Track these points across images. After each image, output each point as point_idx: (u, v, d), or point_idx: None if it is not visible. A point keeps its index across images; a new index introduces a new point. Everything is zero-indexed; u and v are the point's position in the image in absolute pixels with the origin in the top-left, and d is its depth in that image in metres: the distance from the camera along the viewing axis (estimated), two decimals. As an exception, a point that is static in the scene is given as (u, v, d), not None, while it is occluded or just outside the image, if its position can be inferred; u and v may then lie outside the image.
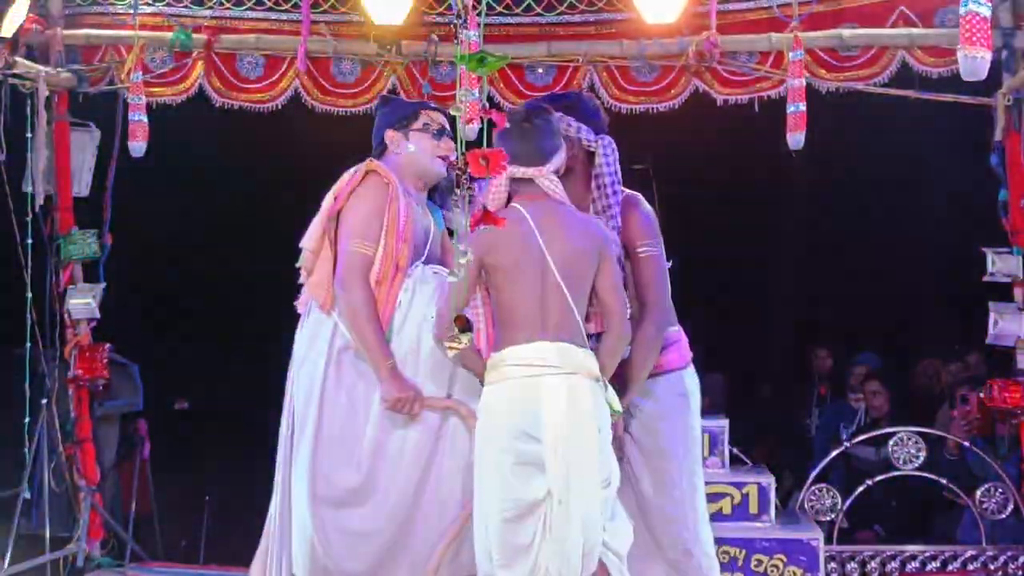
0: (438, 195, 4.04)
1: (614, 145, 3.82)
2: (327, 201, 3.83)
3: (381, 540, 3.67)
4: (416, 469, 3.68)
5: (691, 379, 3.89)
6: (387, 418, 3.66)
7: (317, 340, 3.79)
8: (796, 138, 5.20)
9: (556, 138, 3.64)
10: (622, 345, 3.57)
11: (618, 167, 3.81)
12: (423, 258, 3.82)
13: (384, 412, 3.66)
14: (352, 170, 3.84)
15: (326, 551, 3.68)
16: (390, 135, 3.90)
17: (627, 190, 3.88)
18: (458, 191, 3.13)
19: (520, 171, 3.55)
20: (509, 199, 3.60)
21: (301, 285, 3.91)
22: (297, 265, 3.88)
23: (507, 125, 3.49)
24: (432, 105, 4.03)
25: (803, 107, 5.18)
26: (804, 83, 5.23)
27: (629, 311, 3.67)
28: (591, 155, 3.78)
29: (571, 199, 3.78)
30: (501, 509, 3.41)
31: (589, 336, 3.57)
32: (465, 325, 3.03)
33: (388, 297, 3.71)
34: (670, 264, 3.85)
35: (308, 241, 3.84)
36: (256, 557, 3.93)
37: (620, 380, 3.67)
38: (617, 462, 3.55)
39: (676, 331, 3.88)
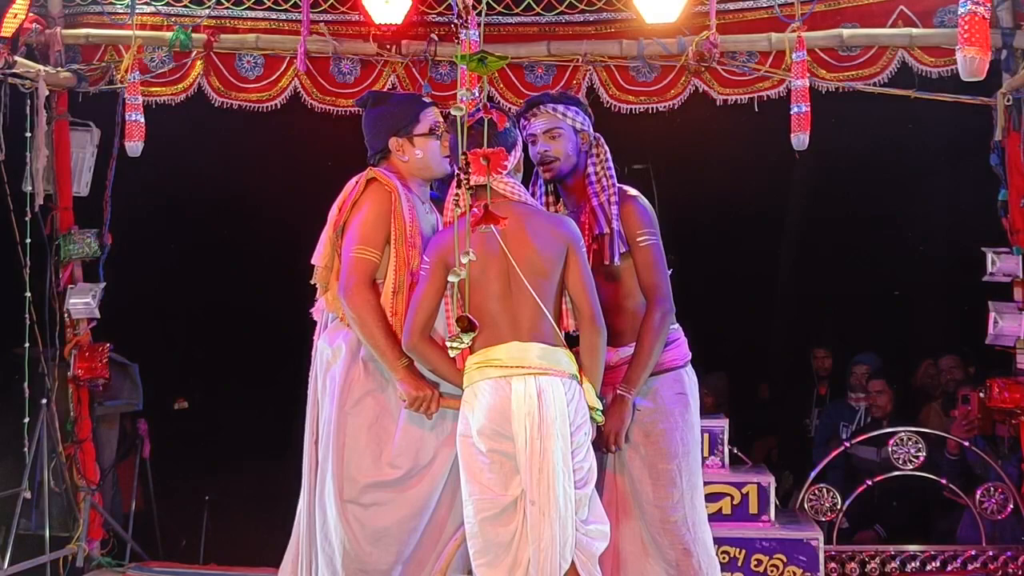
0: (437, 183, 4.04)
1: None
2: (332, 214, 3.84)
3: (413, 539, 3.69)
4: (444, 467, 3.70)
5: (690, 377, 3.91)
6: (415, 419, 3.68)
7: (340, 350, 3.79)
8: (800, 138, 5.19)
9: (505, 139, 3.59)
10: (599, 340, 3.58)
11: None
12: None
13: (410, 413, 3.68)
14: (353, 180, 3.84)
15: (358, 553, 3.69)
16: (395, 143, 3.87)
17: (619, 184, 3.93)
18: (458, 191, 3.14)
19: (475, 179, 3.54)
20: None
21: (313, 287, 3.91)
22: (311, 282, 3.88)
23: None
24: (427, 101, 4.00)
25: (806, 108, 5.18)
26: (807, 83, 5.22)
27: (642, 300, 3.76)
28: (589, 148, 3.89)
29: (574, 189, 3.83)
30: (480, 509, 3.44)
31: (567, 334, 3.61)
32: (468, 326, 3.03)
33: (406, 307, 3.69)
34: (672, 271, 3.88)
35: (319, 257, 3.85)
36: (284, 561, 3.94)
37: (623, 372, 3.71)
38: (596, 461, 3.56)
39: (676, 329, 3.90)
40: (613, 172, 3.87)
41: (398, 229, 3.72)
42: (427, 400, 3.62)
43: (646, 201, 3.91)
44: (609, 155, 3.90)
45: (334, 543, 3.72)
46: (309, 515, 3.84)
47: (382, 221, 3.72)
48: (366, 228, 3.72)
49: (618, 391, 3.74)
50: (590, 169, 3.87)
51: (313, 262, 3.86)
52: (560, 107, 3.86)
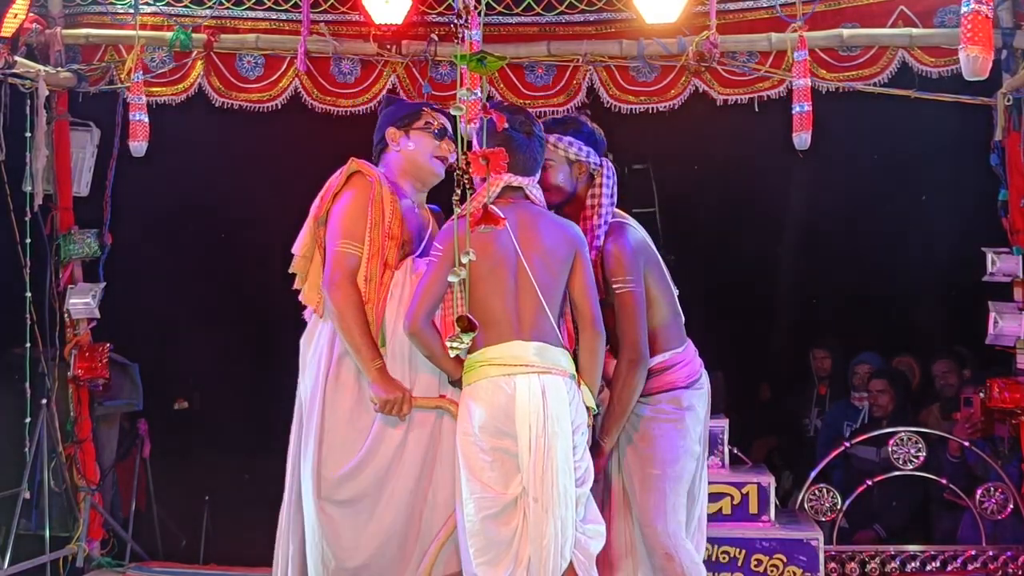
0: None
1: (613, 169, 3.92)
2: (314, 204, 3.84)
3: (390, 538, 3.68)
4: (418, 466, 3.69)
5: (694, 397, 3.88)
6: (390, 418, 3.67)
7: (317, 345, 3.79)
8: (802, 138, 5.18)
9: (545, 148, 3.73)
10: (598, 344, 3.62)
11: (615, 191, 3.88)
12: (416, 254, 3.82)
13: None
14: (337, 172, 3.84)
15: (335, 552, 3.68)
16: (391, 132, 3.90)
17: (620, 214, 3.88)
18: (458, 191, 3.13)
19: (517, 180, 3.61)
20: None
21: (295, 289, 3.90)
22: (290, 271, 3.88)
23: (512, 133, 3.55)
24: (435, 106, 4.03)
25: (808, 107, 5.17)
26: (809, 83, 5.22)
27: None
28: (591, 176, 3.85)
29: (570, 218, 3.85)
30: (481, 507, 3.44)
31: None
32: (468, 326, 3.03)
33: (379, 295, 3.70)
34: (672, 258, 3.86)
35: (298, 246, 3.85)
36: (275, 561, 3.95)
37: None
38: (592, 461, 3.59)
39: (680, 352, 3.89)
40: (606, 209, 3.82)
41: (374, 217, 3.70)
42: (398, 403, 3.61)
43: (633, 238, 3.82)
44: (609, 188, 3.84)
45: (316, 541, 3.71)
46: (291, 513, 3.83)
47: (363, 213, 3.71)
48: (348, 221, 3.72)
49: (597, 439, 3.78)
50: (588, 202, 3.85)
51: (292, 251, 3.86)
52: (552, 137, 3.81)
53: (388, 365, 3.68)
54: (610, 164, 3.91)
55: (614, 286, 3.76)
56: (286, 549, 3.84)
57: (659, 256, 3.92)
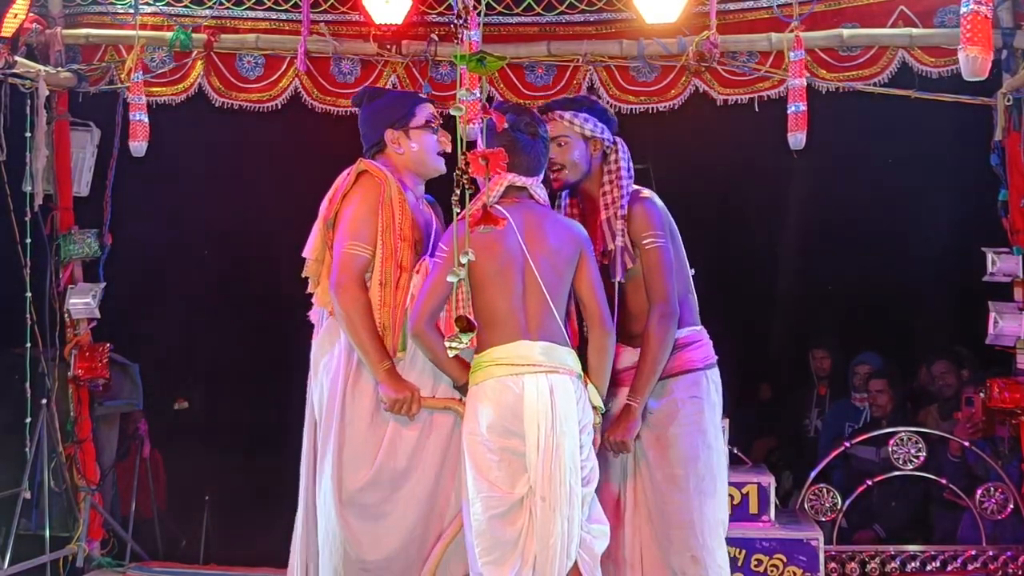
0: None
1: (627, 147, 3.93)
2: (322, 207, 3.83)
3: (411, 540, 3.68)
4: (437, 467, 3.69)
5: (709, 380, 3.86)
6: (406, 419, 3.67)
7: (334, 348, 3.77)
8: (797, 138, 5.18)
9: (550, 147, 3.73)
10: (607, 341, 3.61)
11: (632, 167, 3.90)
12: (427, 252, 3.81)
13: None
14: (345, 172, 3.83)
15: (359, 553, 3.68)
16: (391, 135, 3.88)
17: (635, 185, 3.91)
18: (457, 191, 3.14)
19: (520, 180, 3.61)
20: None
21: (309, 293, 3.89)
22: (303, 275, 3.87)
23: (517, 133, 3.55)
24: (424, 97, 4.00)
25: (804, 107, 5.17)
26: (805, 83, 5.22)
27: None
28: (605, 154, 3.86)
29: (586, 195, 3.84)
30: (488, 507, 3.44)
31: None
32: (466, 325, 3.03)
33: (396, 299, 3.68)
34: (693, 272, 3.88)
35: (309, 250, 3.83)
36: (289, 565, 3.94)
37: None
38: (613, 464, 3.58)
39: (698, 330, 3.89)
40: (626, 182, 3.83)
41: (386, 220, 3.69)
42: (407, 402, 3.60)
43: (658, 202, 3.87)
44: (626, 162, 3.86)
45: (335, 543, 3.71)
46: (307, 518, 3.84)
47: (372, 215, 3.70)
48: (356, 223, 3.70)
49: (626, 400, 3.75)
50: (604, 178, 3.85)
51: (304, 255, 3.85)
52: (568, 114, 3.84)
53: (408, 372, 3.68)
54: (623, 142, 3.92)
55: (644, 241, 3.76)
56: (303, 553, 3.83)
57: (677, 231, 3.93)
